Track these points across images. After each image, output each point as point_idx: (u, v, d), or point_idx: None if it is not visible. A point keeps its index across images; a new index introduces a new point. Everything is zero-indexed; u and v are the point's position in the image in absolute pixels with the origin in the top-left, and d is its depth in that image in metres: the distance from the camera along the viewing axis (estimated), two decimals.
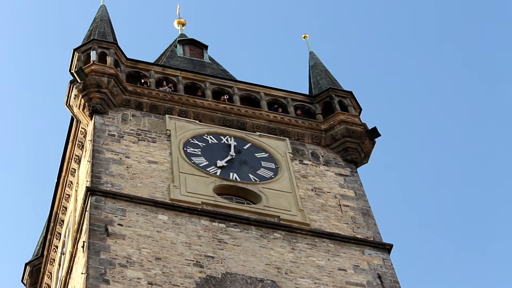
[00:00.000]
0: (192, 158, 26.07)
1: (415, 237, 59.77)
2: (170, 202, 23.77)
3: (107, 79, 27.34)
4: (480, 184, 63.00)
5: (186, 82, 29.79)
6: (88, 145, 26.12)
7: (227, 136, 27.84)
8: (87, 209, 22.87)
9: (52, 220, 29.77)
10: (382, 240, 24.98)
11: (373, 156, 29.12)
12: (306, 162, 27.70)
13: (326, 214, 25.42)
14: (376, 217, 25.90)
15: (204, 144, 27.07)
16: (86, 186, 23.65)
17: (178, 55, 35.06)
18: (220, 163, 26.25)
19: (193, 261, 21.86)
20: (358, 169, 28.23)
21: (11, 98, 68.68)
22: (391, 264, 24.08)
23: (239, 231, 23.47)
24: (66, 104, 27.85)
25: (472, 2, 69.11)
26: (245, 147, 27.62)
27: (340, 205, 25.95)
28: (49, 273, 29.81)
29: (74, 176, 28.14)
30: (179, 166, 25.37)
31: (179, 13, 40.92)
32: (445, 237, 61.13)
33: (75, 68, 28.10)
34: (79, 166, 27.84)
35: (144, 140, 26.23)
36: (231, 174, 25.97)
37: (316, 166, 27.62)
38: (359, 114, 30.14)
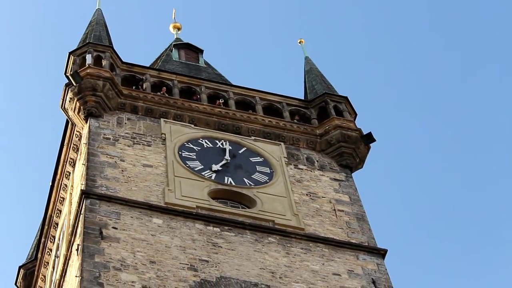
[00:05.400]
0: (187, 162, 26.06)
1: (410, 243, 59.87)
2: (165, 205, 23.76)
3: (102, 83, 27.32)
4: (475, 189, 63.16)
5: (181, 86, 29.79)
6: (83, 148, 26.11)
7: (222, 140, 27.84)
8: (81, 212, 22.84)
9: (46, 223, 29.73)
10: (376, 245, 24.99)
11: (368, 161, 29.18)
12: (301, 166, 27.71)
13: (321, 219, 25.43)
14: (371, 222, 25.96)
15: (199, 148, 27.06)
16: (81, 189, 23.64)
17: (174, 59, 35.07)
18: (215, 167, 26.25)
19: (188, 265, 21.85)
20: (353, 174, 28.23)
21: (7, 101, 68.65)
22: (386, 269, 24.08)
23: (234, 235, 23.47)
24: (61, 107, 27.82)
25: (467, 7, 69.27)
26: (240, 151, 27.63)
27: (334, 210, 25.96)
28: (43, 276, 29.76)
29: (68, 179, 28.11)
30: (174, 170, 25.36)
31: (174, 17, 40.99)
32: (440, 242, 61.21)
33: (71, 71, 28.08)
34: (73, 169, 27.82)
35: (139, 144, 26.23)
36: (226, 178, 25.96)
37: (311, 171, 27.63)
38: (354, 119, 30.16)
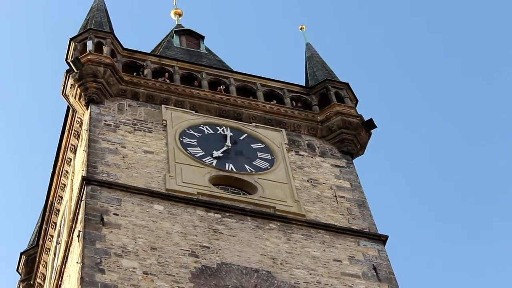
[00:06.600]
0: (188, 148, 26.06)
1: (411, 229, 59.95)
2: (166, 192, 23.77)
3: (103, 69, 27.30)
4: (477, 176, 63.14)
5: (182, 72, 29.75)
6: (84, 135, 26.11)
7: (223, 127, 27.83)
8: (82, 199, 22.87)
9: (47, 209, 29.77)
10: (377, 231, 25.01)
11: (369, 147, 29.18)
12: (302, 153, 27.71)
13: (322, 205, 25.44)
14: (372, 208, 25.98)
15: (200, 135, 27.06)
16: (82, 176, 23.65)
17: (175, 45, 35.03)
18: (216, 153, 26.25)
19: (189, 251, 21.88)
20: (354, 160, 28.23)
21: (7, 87, 68.63)
22: (387, 255, 24.10)
23: (235, 221, 23.49)
24: (62, 94, 27.82)
25: None
26: (241, 138, 27.62)
27: (335, 196, 25.97)
28: (44, 263, 29.82)
29: (69, 165, 28.13)
30: (175, 156, 25.36)
31: (175, 4, 40.88)
32: (441, 228, 61.28)
33: (72, 57, 28.06)
34: (75, 156, 27.83)
35: (140, 130, 26.23)
36: (227, 164, 25.97)
37: (312, 157, 27.63)
38: (355, 106, 30.13)
